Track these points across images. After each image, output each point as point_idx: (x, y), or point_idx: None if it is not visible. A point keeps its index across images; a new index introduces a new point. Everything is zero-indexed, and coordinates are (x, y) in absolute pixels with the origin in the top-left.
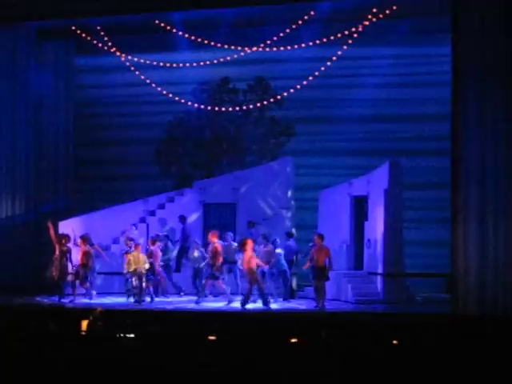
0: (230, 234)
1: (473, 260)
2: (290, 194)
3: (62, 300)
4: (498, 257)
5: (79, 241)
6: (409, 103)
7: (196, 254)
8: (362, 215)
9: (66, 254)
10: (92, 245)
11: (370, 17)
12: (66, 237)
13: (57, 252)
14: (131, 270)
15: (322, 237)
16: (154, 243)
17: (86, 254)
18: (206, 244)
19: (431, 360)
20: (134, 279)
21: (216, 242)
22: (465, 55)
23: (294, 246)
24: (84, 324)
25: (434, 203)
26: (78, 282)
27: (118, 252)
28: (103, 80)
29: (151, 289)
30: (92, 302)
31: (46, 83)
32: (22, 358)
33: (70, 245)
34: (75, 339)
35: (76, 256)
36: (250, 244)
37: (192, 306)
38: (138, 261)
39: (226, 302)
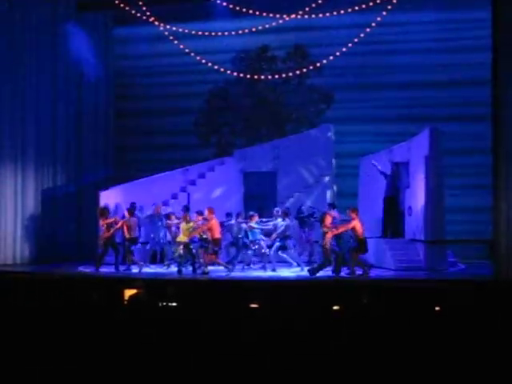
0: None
1: None
2: (330, 161)
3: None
4: None
5: (126, 213)
6: (448, 69)
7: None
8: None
9: (109, 227)
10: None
11: None
12: (106, 211)
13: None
14: (185, 240)
15: (356, 210)
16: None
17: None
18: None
19: (473, 326)
20: (181, 248)
21: (213, 217)
22: (506, 17)
23: (338, 216)
24: (127, 294)
25: (475, 169)
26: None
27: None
28: (142, 50)
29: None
30: (135, 271)
31: (86, 54)
32: (64, 328)
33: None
34: (118, 309)
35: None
36: (328, 219)
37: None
38: (187, 230)
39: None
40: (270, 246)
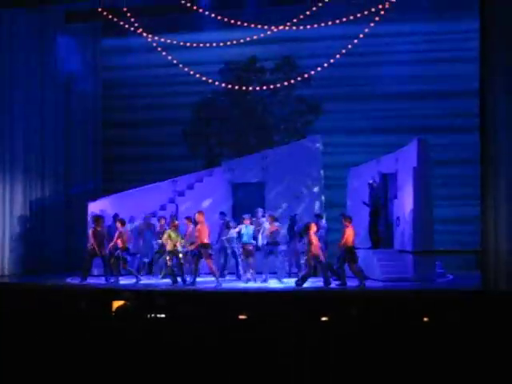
0: (261, 210)
1: (503, 236)
2: (318, 172)
3: (85, 281)
4: None
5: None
6: (436, 80)
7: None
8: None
9: (100, 235)
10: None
11: None
12: (100, 218)
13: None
14: (170, 248)
15: (349, 218)
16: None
17: (120, 235)
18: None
19: (462, 336)
20: (169, 258)
21: (203, 221)
22: (493, 22)
23: (325, 227)
24: (115, 305)
25: (463, 180)
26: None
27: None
28: (130, 61)
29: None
30: (124, 282)
31: (74, 65)
32: (53, 338)
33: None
34: (106, 319)
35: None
36: (313, 228)
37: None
38: (176, 239)
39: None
40: (257, 249)
